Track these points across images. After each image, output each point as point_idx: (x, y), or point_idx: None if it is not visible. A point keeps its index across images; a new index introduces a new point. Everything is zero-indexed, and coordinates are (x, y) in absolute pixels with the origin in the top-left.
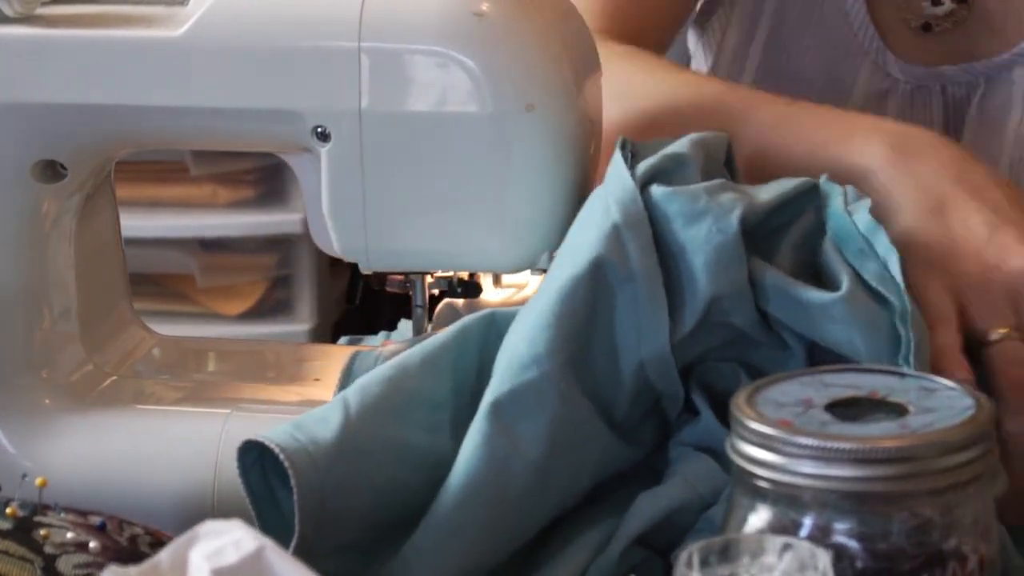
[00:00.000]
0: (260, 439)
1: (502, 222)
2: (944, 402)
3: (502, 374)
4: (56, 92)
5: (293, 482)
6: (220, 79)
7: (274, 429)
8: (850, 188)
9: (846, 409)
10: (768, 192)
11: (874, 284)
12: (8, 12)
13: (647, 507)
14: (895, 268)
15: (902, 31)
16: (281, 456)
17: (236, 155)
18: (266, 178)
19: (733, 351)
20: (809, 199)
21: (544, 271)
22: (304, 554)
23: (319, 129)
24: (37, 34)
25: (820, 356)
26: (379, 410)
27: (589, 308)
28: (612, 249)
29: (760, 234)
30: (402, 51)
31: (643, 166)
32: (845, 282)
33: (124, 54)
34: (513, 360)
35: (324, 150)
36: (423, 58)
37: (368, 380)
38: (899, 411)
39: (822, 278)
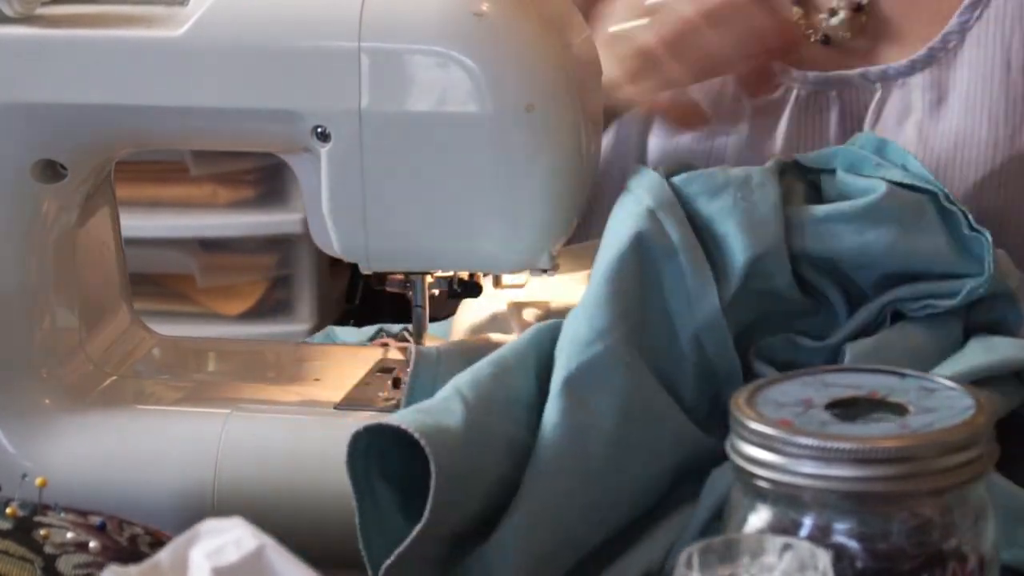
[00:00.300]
0: (396, 423)
1: (502, 222)
2: (944, 402)
3: (568, 353)
4: (56, 92)
5: (433, 466)
6: (220, 79)
7: (399, 416)
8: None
9: (846, 409)
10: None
11: (907, 182)
12: (8, 12)
13: (719, 481)
14: (915, 163)
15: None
16: (423, 441)
17: (236, 155)
18: (266, 178)
19: (778, 322)
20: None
21: (544, 271)
22: (420, 540)
23: (319, 129)
24: (37, 34)
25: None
26: (492, 404)
27: (637, 282)
28: (651, 227)
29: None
30: (402, 51)
31: (660, 168)
32: (880, 185)
33: (124, 54)
34: (577, 339)
35: (324, 150)
36: (423, 58)
37: (476, 375)
38: (899, 411)
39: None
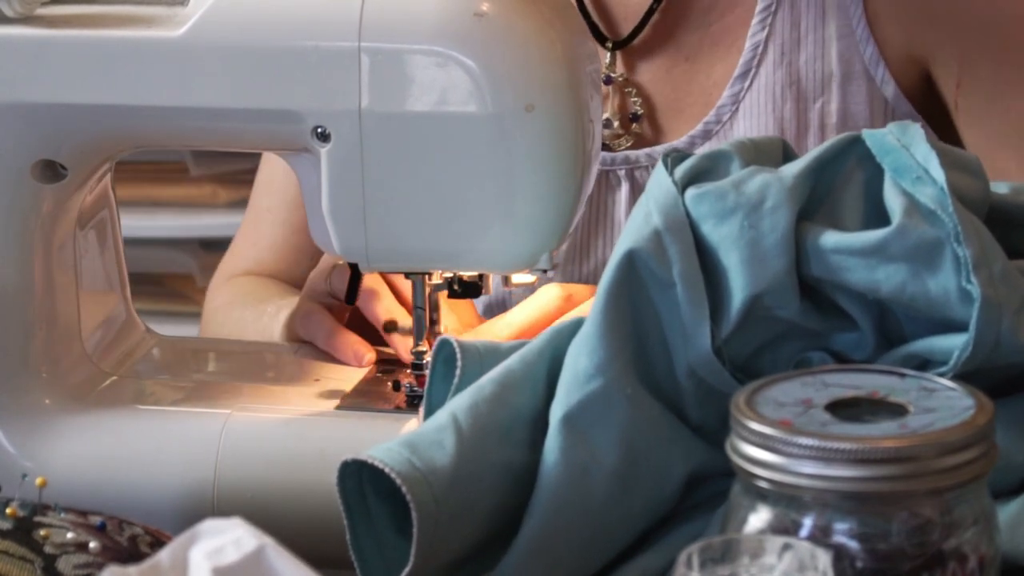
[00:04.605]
0: (380, 465)
1: (502, 222)
2: (944, 402)
3: (568, 387)
4: (56, 92)
5: (414, 515)
6: (220, 79)
7: (386, 450)
8: (895, 125)
9: (846, 409)
10: (800, 162)
11: (931, 206)
12: (8, 12)
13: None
14: (938, 172)
15: None
16: (404, 489)
17: (236, 155)
18: None
19: (804, 337)
20: (848, 152)
21: (544, 271)
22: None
23: (319, 129)
24: (37, 34)
25: (891, 328)
26: (488, 432)
27: (635, 308)
28: (654, 252)
29: (815, 198)
30: (402, 51)
31: (680, 169)
32: (897, 216)
33: (124, 54)
34: (578, 372)
35: (324, 150)
36: (423, 58)
37: (476, 398)
38: (899, 411)
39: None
